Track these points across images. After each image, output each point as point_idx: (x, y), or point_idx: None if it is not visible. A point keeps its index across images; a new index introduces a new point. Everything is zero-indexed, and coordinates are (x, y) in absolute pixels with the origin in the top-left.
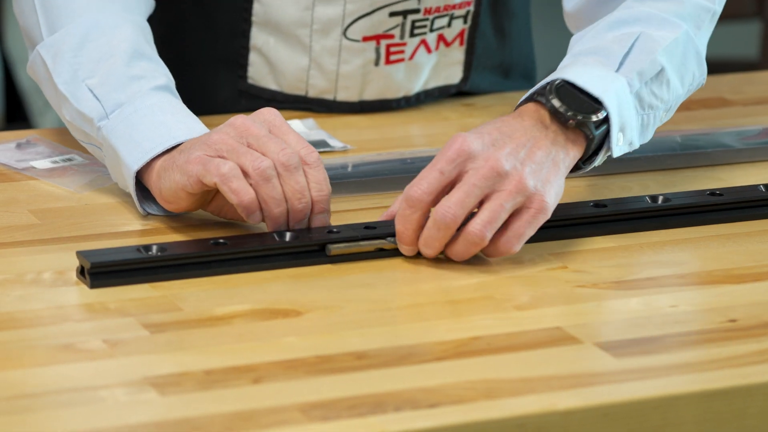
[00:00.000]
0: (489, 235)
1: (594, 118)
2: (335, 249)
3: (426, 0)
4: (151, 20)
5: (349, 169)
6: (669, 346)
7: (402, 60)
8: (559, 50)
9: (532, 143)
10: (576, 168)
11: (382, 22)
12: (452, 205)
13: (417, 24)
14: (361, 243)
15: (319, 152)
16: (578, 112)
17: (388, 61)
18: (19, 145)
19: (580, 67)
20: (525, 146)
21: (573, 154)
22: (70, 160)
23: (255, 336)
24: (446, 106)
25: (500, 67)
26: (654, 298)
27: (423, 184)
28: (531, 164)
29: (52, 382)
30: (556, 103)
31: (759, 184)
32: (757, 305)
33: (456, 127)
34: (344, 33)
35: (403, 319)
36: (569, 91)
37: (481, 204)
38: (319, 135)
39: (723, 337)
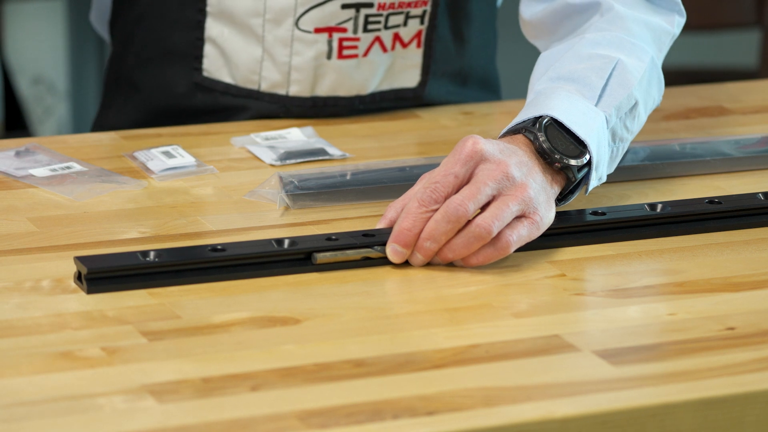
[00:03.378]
0: (495, 230)
1: (578, 163)
2: (321, 258)
3: None
4: (117, 22)
5: (348, 177)
6: (667, 354)
7: (355, 56)
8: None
9: (530, 166)
10: None
11: (334, 14)
12: (465, 199)
13: (370, 19)
14: (348, 252)
15: (318, 161)
16: (564, 156)
17: (340, 56)
18: (18, 153)
19: (564, 100)
20: (527, 165)
21: (555, 189)
22: (68, 168)
23: (253, 344)
24: (444, 114)
25: (459, 75)
26: (652, 306)
27: (439, 185)
28: (533, 182)
29: (51, 389)
30: (544, 143)
31: (757, 193)
32: (756, 313)
33: (454, 136)
34: (296, 23)
35: (401, 327)
36: (557, 131)
37: (485, 206)
38: (317, 143)
39: (721, 345)
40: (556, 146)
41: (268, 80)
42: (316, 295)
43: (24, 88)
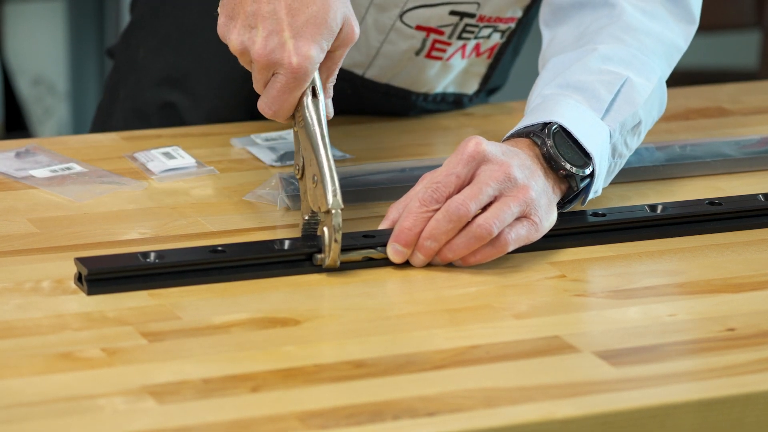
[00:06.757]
0: (496, 231)
1: (582, 173)
2: (321, 258)
3: (484, 8)
4: None
5: (348, 178)
6: (667, 355)
7: (440, 59)
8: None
9: (533, 169)
10: None
11: (440, 17)
12: (467, 199)
13: (467, 28)
14: (350, 253)
15: None
16: (569, 164)
17: (428, 55)
18: (18, 154)
19: (572, 110)
20: (529, 168)
21: (557, 195)
22: (69, 168)
23: (253, 345)
24: (444, 115)
25: (493, 89)
26: (652, 307)
27: (441, 185)
28: (535, 184)
29: (51, 390)
30: (552, 149)
31: (758, 194)
32: (756, 314)
33: (454, 137)
34: (401, 16)
35: (401, 328)
36: (564, 139)
37: (486, 207)
38: None
39: (721, 346)
40: (563, 154)
41: (351, 58)
42: (316, 296)
43: (24, 88)
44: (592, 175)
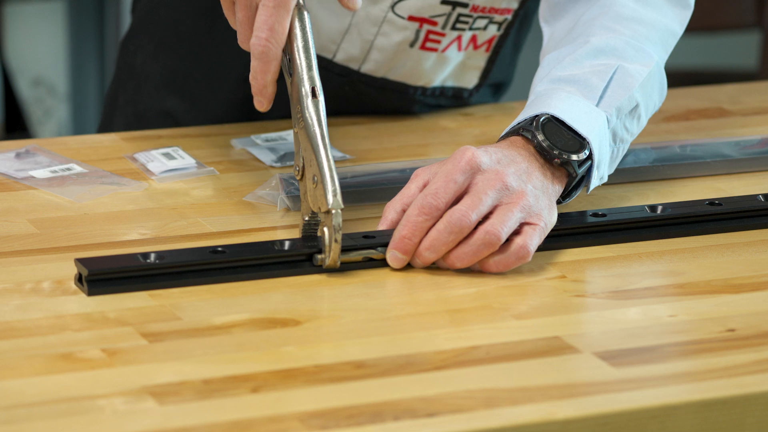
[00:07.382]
0: (504, 236)
1: (577, 158)
2: (322, 258)
3: None
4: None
5: (348, 178)
6: (667, 356)
7: (435, 50)
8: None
9: (529, 171)
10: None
11: (432, 6)
12: (468, 210)
13: (461, 18)
14: (350, 253)
15: None
16: (563, 151)
17: (422, 47)
18: (18, 155)
19: (564, 100)
20: (525, 171)
21: (557, 188)
22: (69, 169)
23: (254, 345)
24: (444, 115)
25: (496, 85)
26: (652, 308)
27: (440, 192)
28: (532, 187)
29: (51, 391)
30: (542, 140)
31: (758, 194)
32: (756, 315)
33: (454, 137)
34: (392, 7)
35: (401, 329)
36: (555, 127)
37: (486, 217)
38: None
39: (721, 347)
40: (554, 143)
41: (345, 52)
42: (316, 297)
43: (24, 89)
44: (590, 158)
